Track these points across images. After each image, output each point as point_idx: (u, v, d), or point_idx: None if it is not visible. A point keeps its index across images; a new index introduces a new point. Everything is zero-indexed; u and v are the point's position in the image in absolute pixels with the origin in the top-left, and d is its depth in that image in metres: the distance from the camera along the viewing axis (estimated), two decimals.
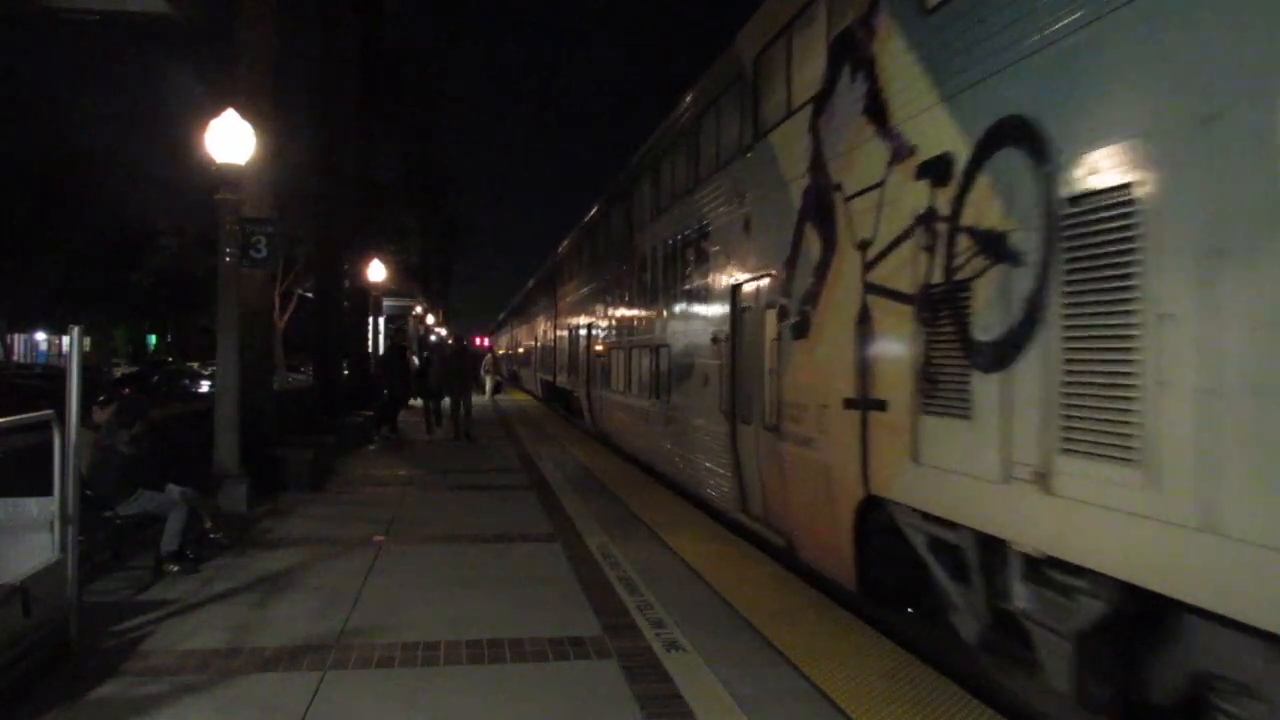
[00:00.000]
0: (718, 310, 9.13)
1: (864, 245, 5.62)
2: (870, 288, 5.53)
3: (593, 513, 9.38)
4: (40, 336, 57.93)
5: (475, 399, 18.54)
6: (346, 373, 19.92)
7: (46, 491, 4.80)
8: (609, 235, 17.32)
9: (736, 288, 8.52)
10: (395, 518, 9.09)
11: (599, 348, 17.73)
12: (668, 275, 11.68)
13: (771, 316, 7.41)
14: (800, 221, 6.75)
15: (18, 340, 51.06)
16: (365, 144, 21.72)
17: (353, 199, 19.41)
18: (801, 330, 6.68)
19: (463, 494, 10.79)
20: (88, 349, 39.36)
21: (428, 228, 40.15)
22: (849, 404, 5.77)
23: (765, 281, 7.67)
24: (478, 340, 63.71)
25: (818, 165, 6.42)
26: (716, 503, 9.31)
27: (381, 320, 26.47)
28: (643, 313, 13.38)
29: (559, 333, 25.83)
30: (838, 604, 6.07)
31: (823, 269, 6.27)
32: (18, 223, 31.11)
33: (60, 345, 54.73)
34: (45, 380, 26.18)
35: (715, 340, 9.16)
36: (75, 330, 4.85)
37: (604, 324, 17.29)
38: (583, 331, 20.11)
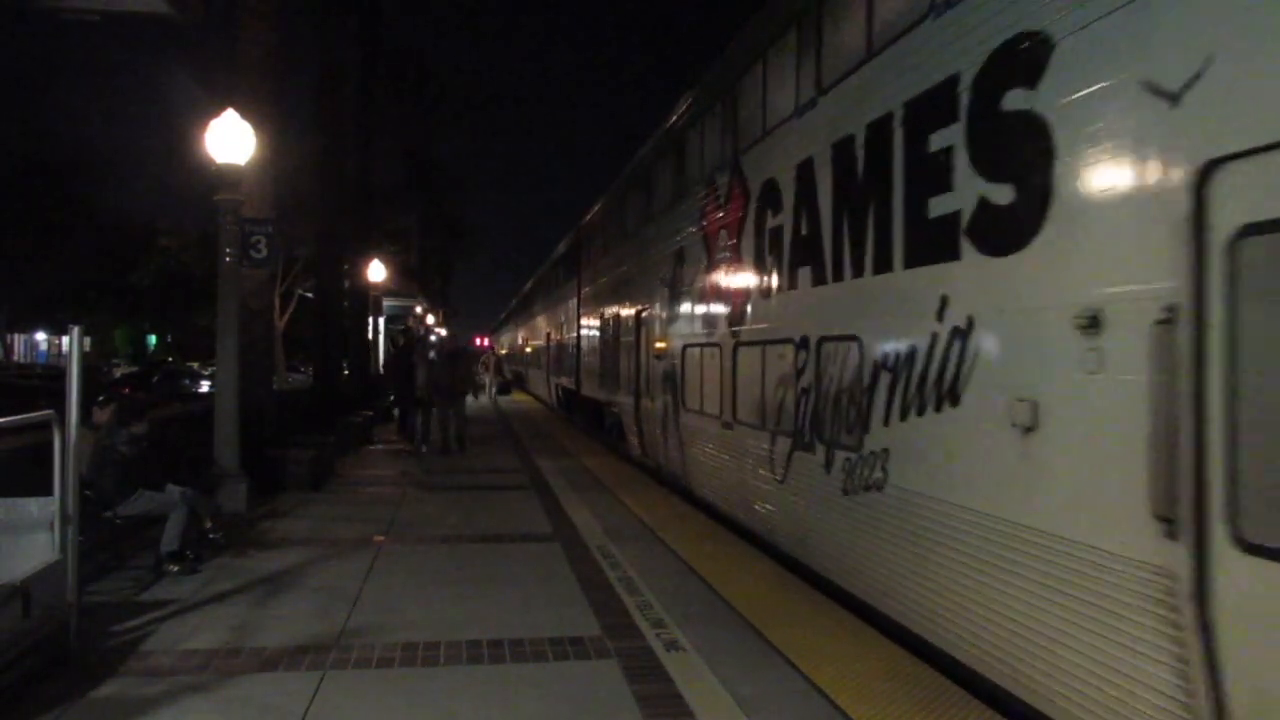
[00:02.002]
0: (1117, 248, 3.59)
1: None
2: None
3: None
4: (40, 336, 57.97)
5: (475, 402, 18.41)
6: (346, 373, 19.93)
7: (46, 491, 4.80)
8: (683, 170, 11.41)
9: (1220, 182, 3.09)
10: (395, 518, 9.10)
11: (659, 345, 12.11)
12: (859, 200, 5.95)
13: None
14: None
15: (18, 340, 51.06)
16: (365, 143, 21.72)
17: (353, 199, 19.42)
18: None
19: (462, 492, 10.79)
20: (88, 349, 39.39)
21: (428, 227, 40.16)
22: None
23: None
24: (478, 340, 63.45)
25: None
26: None
27: (381, 320, 26.46)
28: (778, 293, 7.58)
29: (583, 329, 20.05)
30: (838, 604, 6.07)
31: None
32: (18, 222, 31.14)
33: (60, 345, 54.75)
34: (46, 380, 26.20)
35: (1091, 324, 3.66)
36: (75, 330, 4.86)
37: (671, 310, 11.55)
38: (628, 322, 14.50)
